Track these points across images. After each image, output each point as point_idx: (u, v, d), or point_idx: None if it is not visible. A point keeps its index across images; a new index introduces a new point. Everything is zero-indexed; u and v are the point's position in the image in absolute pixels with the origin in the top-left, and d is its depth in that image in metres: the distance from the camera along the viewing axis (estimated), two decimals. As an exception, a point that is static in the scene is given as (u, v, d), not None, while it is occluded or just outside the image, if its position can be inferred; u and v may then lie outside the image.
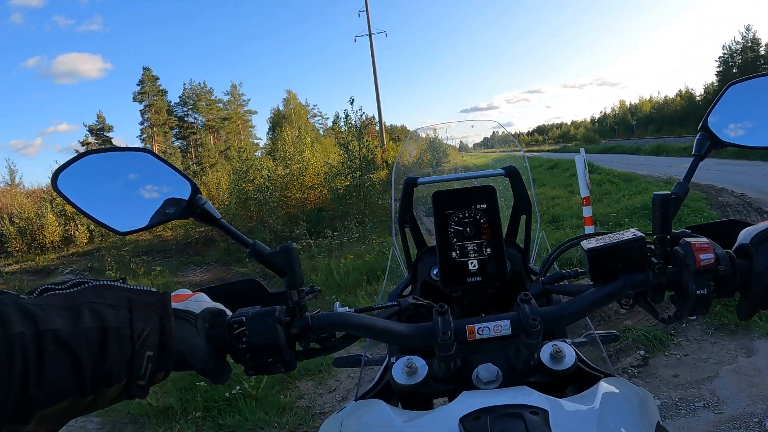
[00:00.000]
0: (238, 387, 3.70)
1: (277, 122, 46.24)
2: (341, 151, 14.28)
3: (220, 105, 54.63)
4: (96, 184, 0.74)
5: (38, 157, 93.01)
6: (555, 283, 0.82)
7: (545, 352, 0.81)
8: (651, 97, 79.20)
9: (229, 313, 0.70)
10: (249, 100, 65.18)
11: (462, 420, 0.63)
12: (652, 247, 0.73)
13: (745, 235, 0.70)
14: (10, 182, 25.06)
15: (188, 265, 11.58)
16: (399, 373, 0.84)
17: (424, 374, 0.83)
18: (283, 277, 0.71)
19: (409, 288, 1.19)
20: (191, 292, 0.73)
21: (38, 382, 0.45)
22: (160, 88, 51.93)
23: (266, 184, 13.53)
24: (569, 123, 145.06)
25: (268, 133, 49.53)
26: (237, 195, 14.15)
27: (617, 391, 0.74)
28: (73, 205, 0.72)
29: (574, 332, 1.08)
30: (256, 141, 55.98)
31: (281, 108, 51.43)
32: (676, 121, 56.67)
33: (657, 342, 3.78)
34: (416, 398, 0.86)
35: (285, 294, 0.72)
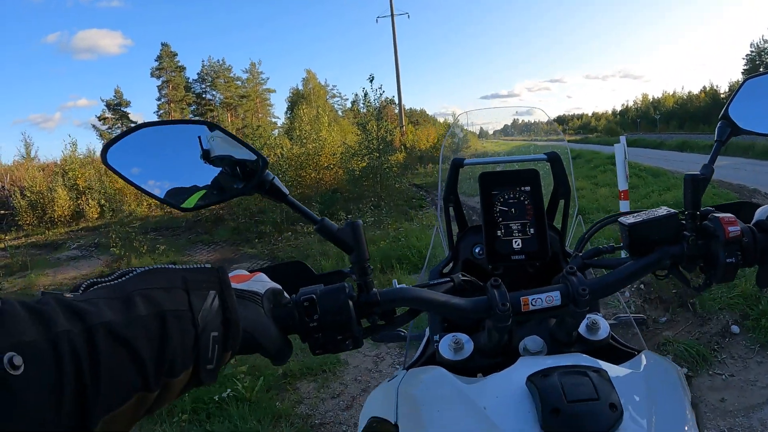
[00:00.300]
0: (229, 389, 3.31)
1: (296, 101, 45.57)
2: (359, 131, 13.83)
3: (239, 83, 54.35)
4: (153, 158, 0.72)
5: (57, 131, 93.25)
6: (593, 258, 0.83)
7: (582, 325, 0.86)
8: (674, 92, 77.90)
9: (286, 294, 0.69)
10: (268, 78, 64.78)
11: (530, 378, 0.66)
12: (684, 222, 0.77)
13: (762, 212, 0.77)
14: (25, 155, 25.14)
15: (196, 244, 11.14)
16: (446, 350, 0.86)
17: (470, 350, 0.86)
18: (350, 253, 0.72)
19: (450, 265, 1.20)
20: (249, 273, 0.70)
21: (96, 383, 0.40)
22: (179, 64, 51.81)
23: (280, 162, 13.10)
24: (590, 114, 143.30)
25: (286, 113, 49.56)
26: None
27: (658, 363, 0.77)
28: (128, 181, 0.70)
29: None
30: (273, 120, 55.97)
31: (300, 88, 51.24)
32: (700, 118, 55.59)
33: (700, 358, 3.40)
34: (465, 373, 0.82)
35: (333, 275, 0.79)
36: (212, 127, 0.72)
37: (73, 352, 0.40)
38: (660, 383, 0.71)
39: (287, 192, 0.74)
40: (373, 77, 13.12)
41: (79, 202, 17.17)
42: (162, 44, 51.50)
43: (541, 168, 1.21)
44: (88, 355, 0.41)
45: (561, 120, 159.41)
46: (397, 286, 0.75)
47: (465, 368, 0.84)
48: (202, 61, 57.73)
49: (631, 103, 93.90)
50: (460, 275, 0.85)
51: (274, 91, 61.20)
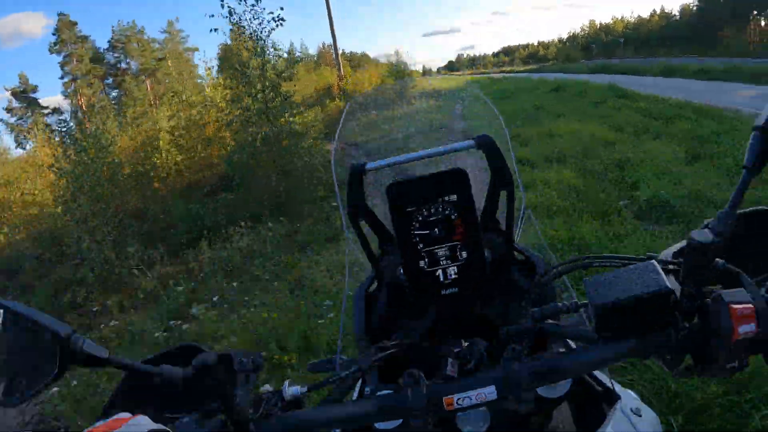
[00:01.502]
0: None
1: (227, 58, 40.71)
2: (232, 80, 8.69)
3: (156, 45, 48.46)
4: None
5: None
6: (547, 319, 0.67)
7: None
8: (623, 17, 77.81)
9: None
10: (188, 36, 58.16)
11: None
12: (678, 301, 0.58)
13: None
14: None
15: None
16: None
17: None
18: (213, 402, 0.61)
19: (375, 284, 0.98)
20: (129, 415, 0.58)
21: None
22: (80, 33, 45.27)
23: (99, 158, 8.02)
24: (536, 44, 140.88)
25: (218, 72, 43.28)
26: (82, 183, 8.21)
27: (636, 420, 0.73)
28: None
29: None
30: (200, 81, 48.13)
31: (229, 42, 44.34)
32: (654, 42, 54.68)
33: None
34: None
35: (182, 352, 0.70)
36: None
37: None
38: None
39: (106, 353, 0.57)
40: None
41: None
42: (59, 14, 44.90)
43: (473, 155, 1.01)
44: None
45: (507, 51, 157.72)
46: (288, 390, 0.66)
47: None
48: (112, 27, 52.28)
49: (578, 30, 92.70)
50: (373, 354, 0.71)
51: (197, 49, 54.96)
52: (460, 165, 0.91)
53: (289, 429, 0.60)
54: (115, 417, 0.58)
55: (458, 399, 0.60)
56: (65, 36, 44.14)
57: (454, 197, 0.82)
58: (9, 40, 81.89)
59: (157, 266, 6.07)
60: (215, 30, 8.52)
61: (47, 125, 18.84)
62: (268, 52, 8.47)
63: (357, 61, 52.36)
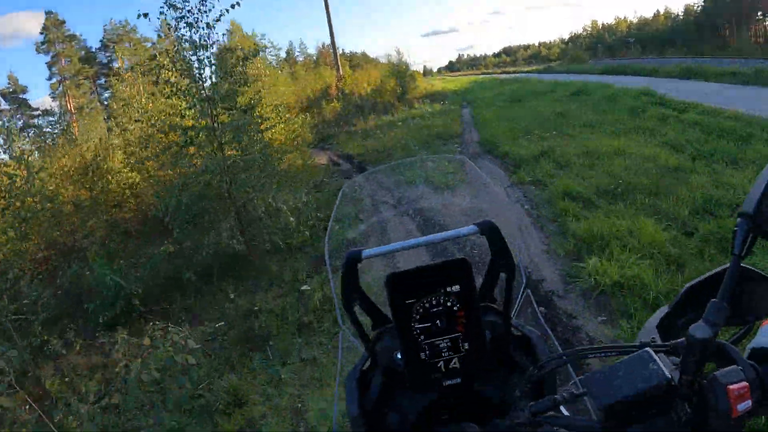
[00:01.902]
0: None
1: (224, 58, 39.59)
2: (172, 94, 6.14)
3: (148, 44, 45.86)
4: None
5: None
6: (547, 412, 0.65)
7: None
8: (625, 17, 76.69)
9: None
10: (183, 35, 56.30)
11: None
12: (677, 387, 0.60)
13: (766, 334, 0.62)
14: None
15: None
16: None
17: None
18: None
19: (368, 363, 0.92)
20: None
21: None
22: (68, 32, 43.30)
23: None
24: (537, 44, 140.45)
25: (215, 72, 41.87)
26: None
27: None
28: None
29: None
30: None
31: (226, 42, 43.02)
32: (660, 42, 51.47)
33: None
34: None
35: None
36: None
37: None
38: None
39: None
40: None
41: None
42: (46, 12, 43.22)
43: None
44: None
45: (507, 51, 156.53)
46: None
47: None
48: (104, 25, 49.25)
49: (580, 30, 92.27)
50: None
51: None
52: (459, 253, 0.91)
53: None
54: None
55: None
56: (53, 35, 42.32)
57: (456, 288, 0.80)
58: (9, 39, 79.40)
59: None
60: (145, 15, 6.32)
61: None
62: (210, 46, 6.07)
63: (357, 61, 51.16)
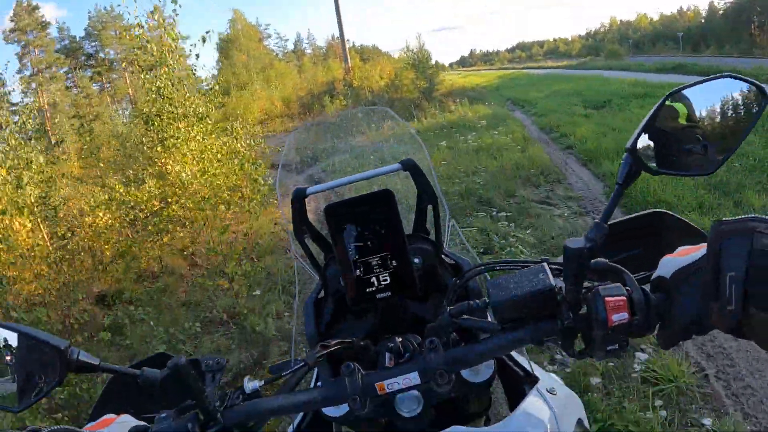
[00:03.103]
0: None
1: (227, 48, 37.89)
2: None
3: (137, 32, 41.00)
4: None
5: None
6: (462, 315, 0.76)
7: None
8: (645, 14, 79.95)
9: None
10: (173, 21, 52.45)
11: None
12: (561, 296, 0.66)
13: (665, 267, 0.63)
14: None
15: None
16: (329, 408, 0.83)
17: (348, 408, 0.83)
18: (186, 400, 0.68)
19: (322, 293, 1.06)
20: (115, 416, 0.70)
21: None
22: (42, 19, 38.78)
23: None
24: (552, 40, 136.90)
25: (217, 63, 39.39)
26: None
27: (556, 403, 0.82)
28: None
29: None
30: (185, 71, 42.44)
31: (228, 32, 40.62)
32: (693, 38, 49.91)
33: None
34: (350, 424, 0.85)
35: (155, 360, 0.83)
36: None
37: None
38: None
39: (98, 360, 0.69)
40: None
41: None
42: None
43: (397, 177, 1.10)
44: None
45: (522, 47, 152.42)
46: (248, 385, 0.72)
47: (348, 420, 0.84)
48: (89, 12, 45.83)
49: (598, 26, 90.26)
50: (317, 351, 0.75)
51: (187, 37, 48.73)
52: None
53: (250, 415, 0.69)
54: (103, 418, 0.69)
55: (388, 384, 0.70)
56: (23, 23, 37.20)
57: (382, 213, 0.92)
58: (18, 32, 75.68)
59: None
60: None
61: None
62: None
63: (368, 54, 47.28)
